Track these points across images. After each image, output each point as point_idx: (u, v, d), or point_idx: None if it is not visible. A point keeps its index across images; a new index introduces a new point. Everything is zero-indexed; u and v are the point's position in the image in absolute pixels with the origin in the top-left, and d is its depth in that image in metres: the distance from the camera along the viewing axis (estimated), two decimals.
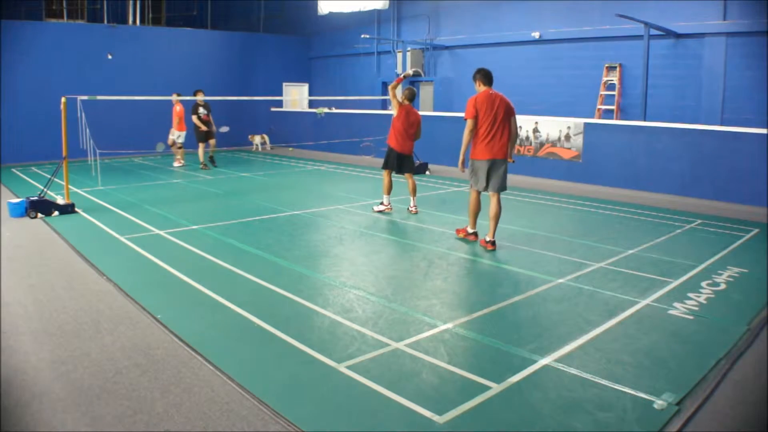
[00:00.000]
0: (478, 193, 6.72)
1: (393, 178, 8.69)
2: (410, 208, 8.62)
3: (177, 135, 13.85)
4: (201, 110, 13.52)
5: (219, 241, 6.96)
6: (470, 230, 6.96)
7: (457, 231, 7.20)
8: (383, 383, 3.45)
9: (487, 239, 6.65)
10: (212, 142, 13.98)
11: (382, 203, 8.60)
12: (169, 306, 4.78)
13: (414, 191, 8.59)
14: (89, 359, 3.80)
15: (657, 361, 3.80)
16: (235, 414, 3.15)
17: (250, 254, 6.38)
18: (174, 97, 13.61)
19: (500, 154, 6.53)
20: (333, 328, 4.31)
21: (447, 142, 14.03)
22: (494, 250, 6.56)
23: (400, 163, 8.44)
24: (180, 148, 14.03)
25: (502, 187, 6.64)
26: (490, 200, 6.69)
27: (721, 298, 5.02)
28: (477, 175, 6.63)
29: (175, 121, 13.76)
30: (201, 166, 13.71)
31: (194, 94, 13.62)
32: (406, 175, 8.59)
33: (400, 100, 8.49)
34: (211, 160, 14.14)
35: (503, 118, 6.49)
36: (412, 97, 8.54)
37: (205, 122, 13.57)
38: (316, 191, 10.80)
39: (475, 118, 6.45)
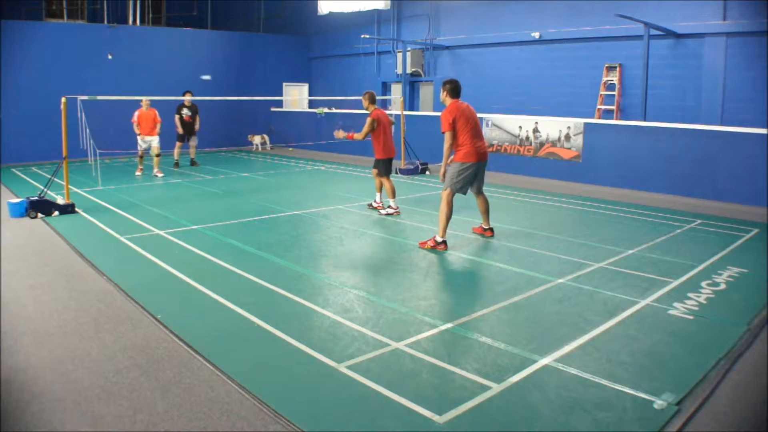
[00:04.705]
0: (454, 196, 6.60)
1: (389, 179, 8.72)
2: (375, 203, 8.85)
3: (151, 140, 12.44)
4: (185, 111, 13.55)
5: (219, 241, 6.96)
6: (440, 239, 6.49)
7: (421, 243, 6.63)
8: (383, 383, 3.45)
9: (485, 227, 7.15)
10: (193, 144, 14.07)
11: (389, 206, 8.55)
12: (169, 306, 4.78)
13: (381, 189, 8.77)
14: (89, 359, 3.80)
15: (657, 361, 3.80)
16: (235, 414, 3.15)
17: (250, 254, 6.38)
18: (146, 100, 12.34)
19: (485, 155, 6.72)
20: (333, 328, 4.31)
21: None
22: (493, 235, 7.11)
23: (386, 164, 8.60)
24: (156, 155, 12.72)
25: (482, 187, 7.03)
26: (476, 199, 7.06)
27: (721, 298, 5.02)
28: (462, 179, 6.57)
29: (151, 125, 12.31)
30: (174, 166, 13.77)
31: (183, 94, 13.66)
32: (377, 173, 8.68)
33: (368, 111, 8.46)
34: (192, 162, 14.25)
35: (478, 122, 6.70)
36: (374, 98, 8.61)
37: (187, 123, 13.59)
38: (316, 191, 10.79)
39: (453, 130, 6.47)
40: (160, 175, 12.42)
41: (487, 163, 6.82)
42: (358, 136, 8.35)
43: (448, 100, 6.62)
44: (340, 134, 8.48)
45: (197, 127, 13.93)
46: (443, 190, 6.60)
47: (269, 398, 3.29)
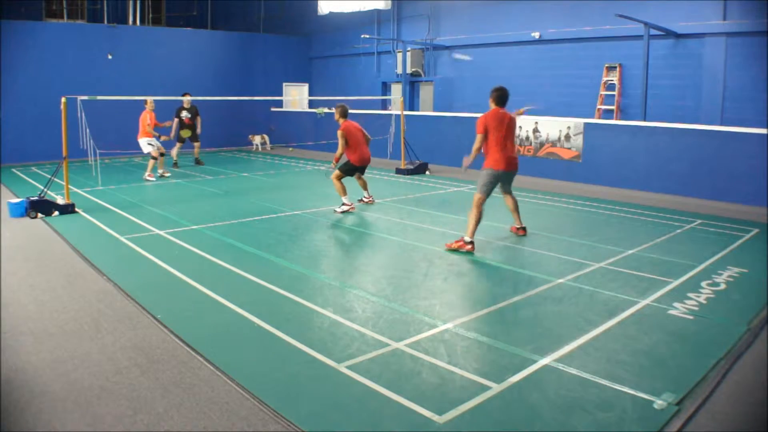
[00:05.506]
0: (484, 201, 6.62)
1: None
2: (366, 198, 9.28)
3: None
4: (184, 113, 13.54)
5: (219, 241, 6.96)
6: (469, 239, 6.45)
7: (449, 245, 6.57)
8: (383, 383, 3.45)
9: (518, 226, 7.32)
10: (196, 144, 14.11)
11: (344, 203, 8.66)
12: (169, 306, 4.78)
13: (366, 186, 9.30)
14: (89, 359, 3.81)
15: (657, 361, 3.80)
16: (235, 414, 3.15)
17: (250, 254, 6.38)
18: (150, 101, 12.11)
19: (513, 165, 6.91)
20: (333, 328, 4.32)
21: (447, 142, 14.04)
22: (525, 234, 7.23)
23: (360, 170, 8.99)
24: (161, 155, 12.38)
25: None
26: (503, 198, 7.26)
27: (721, 298, 5.02)
28: (489, 184, 6.70)
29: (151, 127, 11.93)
30: (173, 166, 13.73)
31: (182, 96, 13.64)
32: (358, 174, 9.11)
33: (339, 122, 8.72)
34: (197, 161, 14.31)
35: (510, 131, 6.84)
36: (346, 113, 8.83)
37: (188, 126, 13.58)
38: (316, 191, 10.79)
39: (485, 134, 6.66)
40: (167, 174, 12.33)
41: (515, 173, 7.06)
42: (338, 153, 8.64)
43: (492, 106, 6.84)
44: (333, 166, 8.89)
45: (199, 130, 13.91)
46: (475, 193, 6.69)
47: (269, 398, 3.29)
